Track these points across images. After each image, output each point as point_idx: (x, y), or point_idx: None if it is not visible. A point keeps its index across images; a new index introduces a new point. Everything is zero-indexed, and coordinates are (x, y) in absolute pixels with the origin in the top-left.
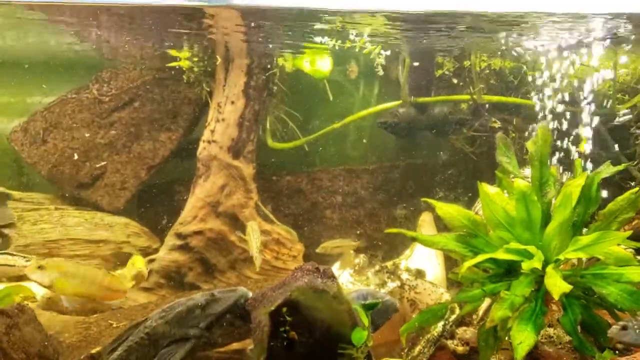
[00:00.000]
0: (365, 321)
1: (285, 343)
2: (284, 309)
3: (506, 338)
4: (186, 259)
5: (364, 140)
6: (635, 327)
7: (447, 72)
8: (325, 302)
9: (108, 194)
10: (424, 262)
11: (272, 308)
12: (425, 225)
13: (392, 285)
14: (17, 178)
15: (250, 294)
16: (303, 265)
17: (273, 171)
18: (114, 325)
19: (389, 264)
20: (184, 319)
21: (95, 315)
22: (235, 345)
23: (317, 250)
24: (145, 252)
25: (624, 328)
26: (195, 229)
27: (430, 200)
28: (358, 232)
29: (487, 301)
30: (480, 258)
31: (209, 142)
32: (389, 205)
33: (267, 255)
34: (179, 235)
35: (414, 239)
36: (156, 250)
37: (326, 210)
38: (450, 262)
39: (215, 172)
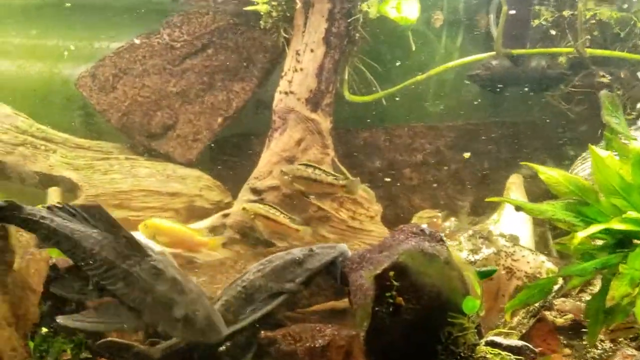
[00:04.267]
0: (478, 289)
1: (390, 309)
2: (391, 273)
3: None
4: None
5: (448, 95)
6: None
7: (544, 22)
8: (435, 267)
9: (180, 145)
10: (512, 228)
11: (378, 272)
12: (514, 188)
13: (487, 251)
14: (85, 125)
15: (350, 253)
16: (405, 227)
17: (349, 126)
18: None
19: (477, 228)
20: (281, 273)
21: None
22: (316, 307)
23: (413, 221)
24: (218, 207)
25: None
26: (270, 184)
27: (532, 165)
28: (440, 193)
29: None
30: (594, 228)
31: (285, 93)
32: (474, 165)
33: (344, 214)
34: (254, 190)
35: (519, 208)
36: (228, 205)
37: (405, 169)
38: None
39: (292, 126)
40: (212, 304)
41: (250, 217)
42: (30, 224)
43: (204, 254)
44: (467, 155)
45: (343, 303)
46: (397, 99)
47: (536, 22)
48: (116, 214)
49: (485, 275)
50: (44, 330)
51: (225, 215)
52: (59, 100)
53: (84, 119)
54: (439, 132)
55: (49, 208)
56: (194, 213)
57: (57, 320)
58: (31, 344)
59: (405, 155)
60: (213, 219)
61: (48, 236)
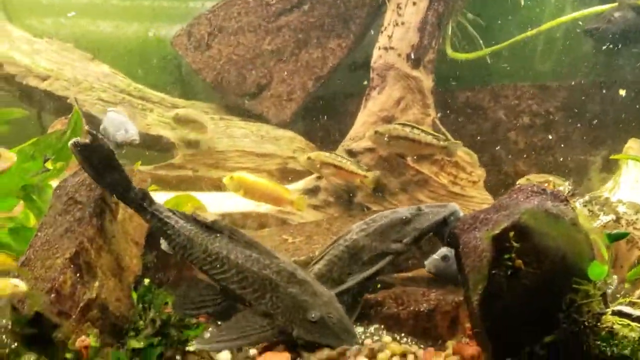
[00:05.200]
0: (606, 254)
1: (508, 272)
2: (511, 234)
3: None
4: None
5: (560, 53)
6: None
7: None
8: (560, 228)
9: (274, 105)
10: (630, 196)
11: (497, 232)
12: (632, 153)
13: (605, 218)
14: (180, 85)
15: (462, 213)
16: (523, 186)
17: (451, 85)
18: (289, 241)
19: (593, 194)
20: (386, 233)
21: (267, 230)
22: (416, 272)
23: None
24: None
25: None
26: (366, 146)
27: None
28: (548, 159)
29: None
30: None
31: (385, 49)
32: (588, 129)
33: (444, 179)
34: (349, 152)
35: None
36: None
37: (510, 132)
38: None
39: (391, 84)
40: (314, 262)
41: (316, 167)
42: (155, 220)
43: (298, 215)
44: (622, 91)
45: None
46: (503, 56)
47: None
48: (212, 174)
49: (615, 238)
50: (147, 281)
51: (319, 178)
52: (154, 59)
53: (179, 79)
54: (549, 92)
55: (171, 211)
56: (287, 175)
57: (196, 346)
58: (134, 295)
59: (510, 117)
60: (306, 181)
61: (171, 236)
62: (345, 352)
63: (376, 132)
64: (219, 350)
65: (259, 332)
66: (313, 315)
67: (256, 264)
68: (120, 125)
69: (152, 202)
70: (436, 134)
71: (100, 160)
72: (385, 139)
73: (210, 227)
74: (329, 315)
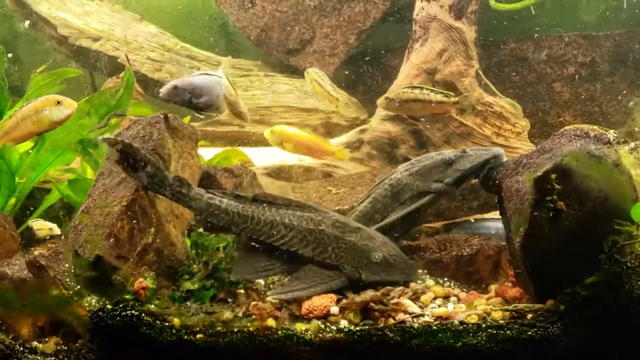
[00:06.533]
0: None
1: (550, 214)
2: (553, 176)
3: None
4: (399, 131)
5: (604, 2)
6: None
7: None
8: (602, 170)
9: (317, 61)
10: None
11: (539, 174)
12: None
13: None
14: (225, 44)
15: (505, 157)
16: (565, 130)
17: (495, 36)
18: (333, 192)
19: (637, 142)
20: (428, 173)
21: (312, 182)
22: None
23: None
24: (354, 124)
25: None
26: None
27: None
28: (594, 109)
29: None
30: None
31: (428, 0)
32: (635, 79)
33: (488, 130)
34: None
35: None
36: (364, 122)
37: (555, 83)
38: None
39: (434, 35)
40: (360, 201)
41: (309, 82)
42: (197, 205)
43: (342, 169)
44: None
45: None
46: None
47: None
48: (257, 130)
49: None
50: (200, 229)
51: (362, 131)
52: (200, 18)
53: (224, 37)
54: (595, 41)
55: (210, 193)
56: (330, 130)
57: (269, 296)
58: (188, 241)
59: (555, 68)
60: (350, 135)
61: (218, 217)
62: (389, 292)
63: (386, 98)
64: (293, 299)
65: (328, 281)
66: (376, 257)
67: (311, 222)
68: None
69: (190, 188)
70: (446, 91)
71: (132, 158)
72: (397, 104)
73: (254, 199)
74: (390, 254)
